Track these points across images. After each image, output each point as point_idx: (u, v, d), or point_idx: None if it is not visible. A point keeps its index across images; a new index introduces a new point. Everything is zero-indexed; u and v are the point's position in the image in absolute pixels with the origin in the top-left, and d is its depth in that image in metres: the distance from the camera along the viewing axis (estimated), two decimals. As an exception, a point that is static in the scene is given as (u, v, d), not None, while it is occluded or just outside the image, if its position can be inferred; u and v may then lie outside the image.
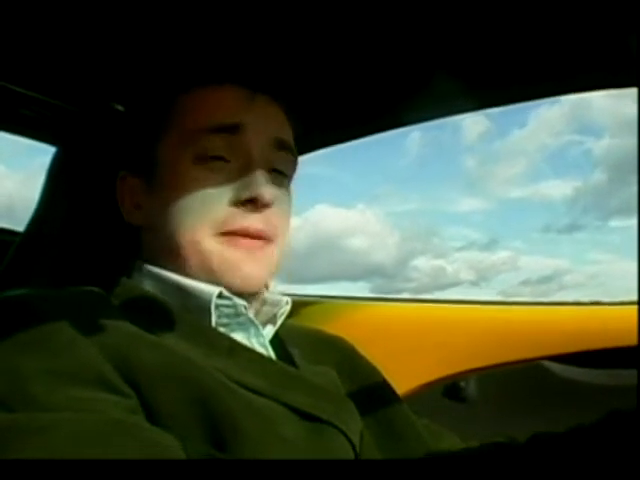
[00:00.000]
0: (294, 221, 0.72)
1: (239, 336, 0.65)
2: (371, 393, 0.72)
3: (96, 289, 0.62)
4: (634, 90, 0.90)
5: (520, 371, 1.10)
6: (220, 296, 0.63)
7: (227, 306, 0.63)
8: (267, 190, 0.63)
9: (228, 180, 0.64)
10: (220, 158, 0.64)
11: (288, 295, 0.71)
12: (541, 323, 1.14)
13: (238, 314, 0.64)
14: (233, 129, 0.64)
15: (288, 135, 0.70)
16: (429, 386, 1.14)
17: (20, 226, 0.79)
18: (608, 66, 0.85)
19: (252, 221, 0.64)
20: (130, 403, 0.50)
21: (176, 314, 0.62)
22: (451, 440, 0.77)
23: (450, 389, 1.14)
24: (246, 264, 0.63)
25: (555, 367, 1.10)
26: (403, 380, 1.04)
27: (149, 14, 0.76)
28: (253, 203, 0.63)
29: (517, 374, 1.10)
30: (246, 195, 0.63)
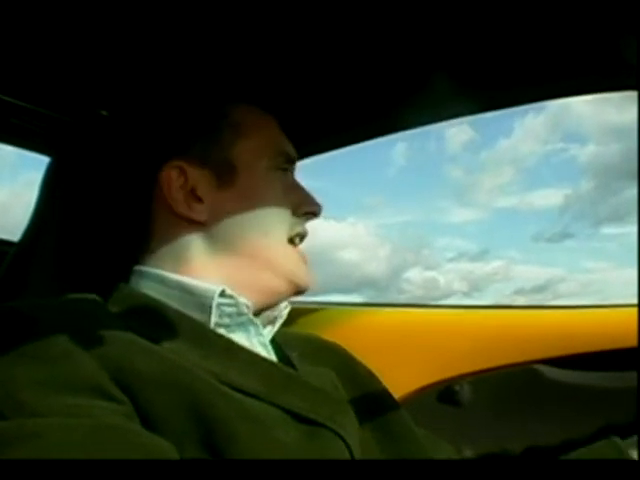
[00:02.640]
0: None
1: (239, 337, 0.65)
2: (369, 397, 0.73)
3: (93, 296, 0.62)
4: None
5: (514, 375, 1.10)
6: (222, 295, 0.63)
7: (229, 305, 0.64)
8: (320, 206, 0.73)
9: (289, 191, 0.71)
10: (283, 172, 0.72)
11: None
12: (534, 327, 1.15)
13: (240, 313, 0.64)
14: (293, 161, 0.74)
15: None
16: (424, 390, 1.14)
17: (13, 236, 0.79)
18: (605, 69, 0.86)
19: (305, 228, 0.73)
20: (125, 409, 0.50)
21: (174, 316, 0.62)
22: (448, 450, 0.78)
23: (444, 393, 1.14)
24: (307, 270, 0.72)
25: (548, 370, 1.10)
26: (398, 385, 1.05)
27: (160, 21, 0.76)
28: (310, 215, 0.72)
29: (511, 378, 1.10)
30: (308, 208, 0.72)
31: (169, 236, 0.68)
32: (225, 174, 0.68)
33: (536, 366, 1.10)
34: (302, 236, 0.72)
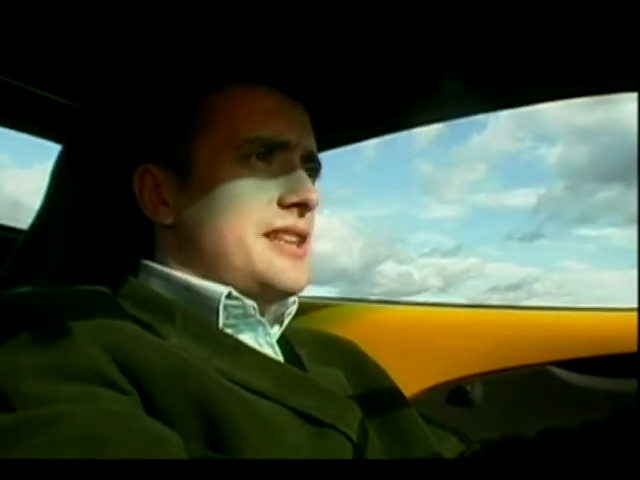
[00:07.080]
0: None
1: (247, 337, 0.64)
2: (379, 395, 0.71)
3: (101, 288, 0.61)
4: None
5: (527, 376, 1.09)
6: (229, 296, 0.62)
7: (236, 307, 0.63)
8: (315, 195, 0.64)
9: (271, 181, 0.64)
10: (262, 160, 0.65)
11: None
12: (549, 328, 1.13)
13: (247, 315, 0.64)
14: (282, 146, 0.65)
15: (315, 144, 0.71)
16: (434, 390, 1.13)
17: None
18: (611, 71, 0.84)
19: (298, 221, 0.65)
20: (131, 399, 0.49)
21: (182, 314, 0.61)
22: (454, 444, 0.76)
23: (456, 393, 1.13)
24: (291, 270, 0.64)
25: (561, 373, 1.09)
26: (408, 383, 1.04)
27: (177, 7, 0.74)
28: (301, 207, 0.64)
29: (524, 379, 1.09)
30: (295, 199, 0.64)
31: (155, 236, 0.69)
32: (184, 174, 0.66)
33: (550, 368, 1.08)
34: (292, 230, 0.65)
